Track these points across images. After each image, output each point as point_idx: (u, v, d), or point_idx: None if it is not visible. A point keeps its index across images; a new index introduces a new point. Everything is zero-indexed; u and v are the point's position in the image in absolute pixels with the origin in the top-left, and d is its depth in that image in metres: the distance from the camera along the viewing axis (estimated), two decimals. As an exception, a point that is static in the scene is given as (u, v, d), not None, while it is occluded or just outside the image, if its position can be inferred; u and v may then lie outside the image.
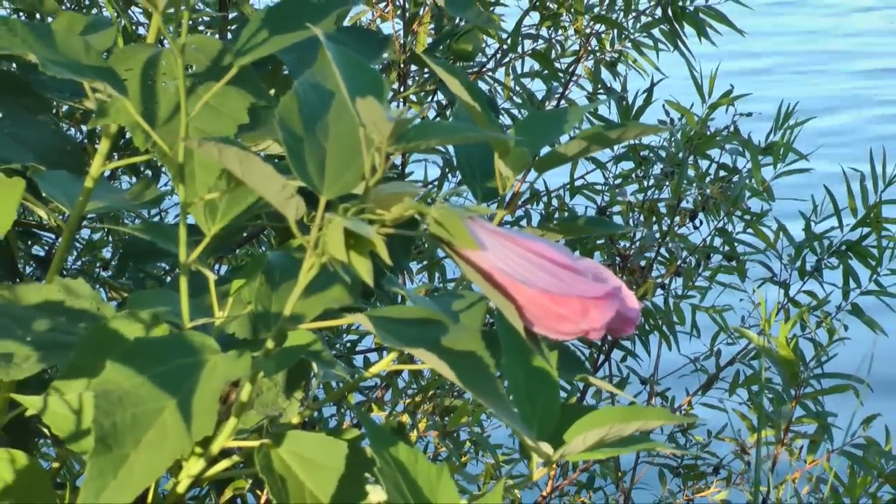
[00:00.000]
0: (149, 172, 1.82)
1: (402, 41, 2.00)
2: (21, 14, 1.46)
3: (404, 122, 0.71)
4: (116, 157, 1.13)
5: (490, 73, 2.14)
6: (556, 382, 0.92)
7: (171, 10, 0.90)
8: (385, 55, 1.41)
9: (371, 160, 0.74)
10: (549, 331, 0.74)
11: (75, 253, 1.81)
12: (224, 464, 0.92)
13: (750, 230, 2.20)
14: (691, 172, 2.14)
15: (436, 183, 2.14)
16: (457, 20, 1.98)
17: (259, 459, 0.85)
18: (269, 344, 0.84)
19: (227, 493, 1.58)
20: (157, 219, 1.87)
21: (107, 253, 1.86)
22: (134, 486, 0.75)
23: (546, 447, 0.89)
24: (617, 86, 2.22)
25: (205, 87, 0.98)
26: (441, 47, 1.96)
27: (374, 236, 0.72)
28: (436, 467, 0.86)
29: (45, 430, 1.23)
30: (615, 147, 2.12)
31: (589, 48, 2.19)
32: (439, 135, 0.76)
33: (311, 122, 0.77)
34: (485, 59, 2.15)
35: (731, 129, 2.14)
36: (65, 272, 1.55)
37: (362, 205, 0.75)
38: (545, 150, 0.93)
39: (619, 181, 2.19)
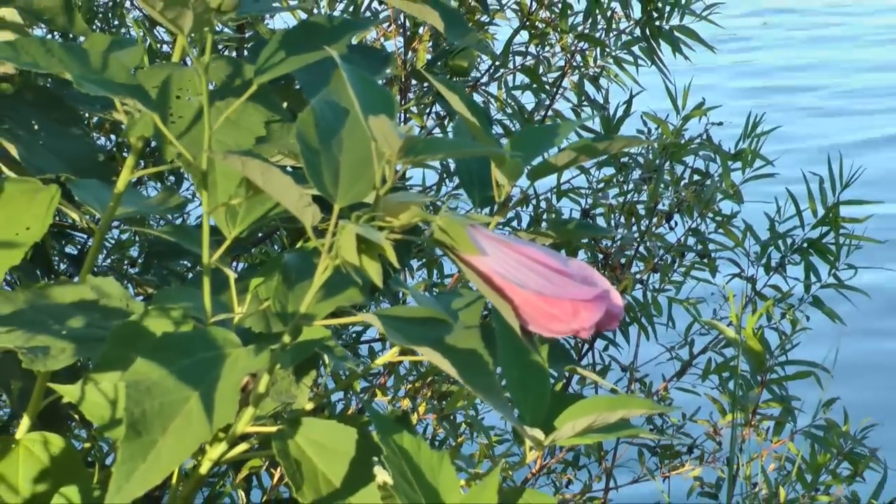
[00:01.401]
0: (172, 179, 1.81)
1: (403, 58, 2.00)
2: (55, 34, 1.46)
3: (413, 137, 0.71)
4: (143, 165, 1.13)
5: (484, 87, 2.14)
6: (547, 374, 0.92)
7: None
8: (388, 71, 1.40)
9: (381, 171, 0.74)
10: (542, 329, 0.74)
11: (105, 252, 1.81)
12: (242, 447, 0.92)
13: (720, 230, 2.20)
14: (667, 177, 2.15)
15: (433, 188, 2.13)
16: (454, 39, 1.97)
17: (276, 444, 0.86)
18: (286, 338, 0.84)
19: (244, 472, 1.58)
20: (179, 221, 1.87)
21: (134, 252, 1.85)
22: (162, 469, 0.75)
23: (538, 433, 0.89)
24: (600, 98, 2.22)
25: (225, 103, 0.98)
26: (439, 63, 1.96)
27: (384, 242, 0.72)
28: (437, 454, 0.86)
29: (76, 415, 1.23)
30: (598, 155, 2.11)
31: (574, 64, 2.19)
32: (444, 150, 0.76)
33: (326, 137, 0.77)
34: (479, 74, 2.15)
35: (705, 136, 2.14)
36: (96, 270, 1.55)
37: (373, 212, 0.75)
38: (537, 160, 0.93)
39: (601, 185, 2.20)
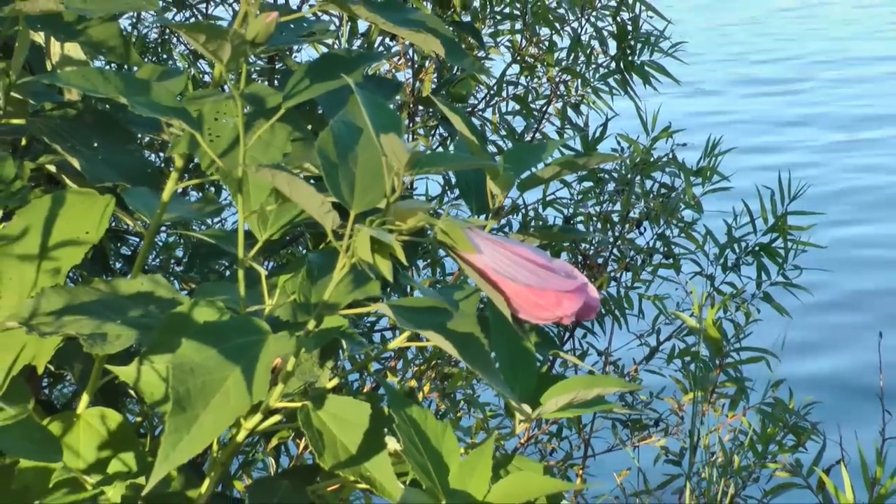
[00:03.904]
0: (212, 189, 1.81)
1: (411, 87, 2.00)
2: (112, 65, 1.46)
3: (418, 152, 0.71)
4: (187, 177, 1.12)
5: (480, 112, 2.14)
6: (534, 357, 0.91)
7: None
8: (398, 97, 1.40)
9: (391, 182, 0.74)
10: (530, 317, 0.74)
11: (154, 252, 1.80)
12: (272, 419, 0.91)
13: (684, 235, 2.20)
14: (638, 190, 2.15)
15: (437, 198, 2.13)
16: (455, 70, 1.97)
17: (301, 417, 0.85)
18: (310, 326, 0.84)
19: (274, 442, 1.58)
20: (218, 226, 1.87)
21: (179, 252, 1.85)
22: (203, 439, 0.75)
23: (526, 408, 0.88)
24: (580, 122, 2.22)
25: (257, 124, 0.97)
26: (442, 92, 1.96)
27: (394, 243, 0.72)
28: (441, 424, 0.85)
29: (132, 392, 1.23)
30: (578, 170, 2.11)
31: (558, 93, 2.19)
32: (445, 163, 0.76)
33: (343, 152, 0.77)
34: (476, 101, 2.15)
35: (671, 155, 2.14)
36: (146, 268, 1.55)
37: (384, 217, 0.75)
38: (526, 173, 0.92)
39: (581, 197, 2.19)
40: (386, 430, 0.88)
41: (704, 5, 10.72)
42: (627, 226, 2.17)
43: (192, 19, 2.03)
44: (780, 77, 8.46)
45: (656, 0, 2.12)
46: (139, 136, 1.25)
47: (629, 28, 2.13)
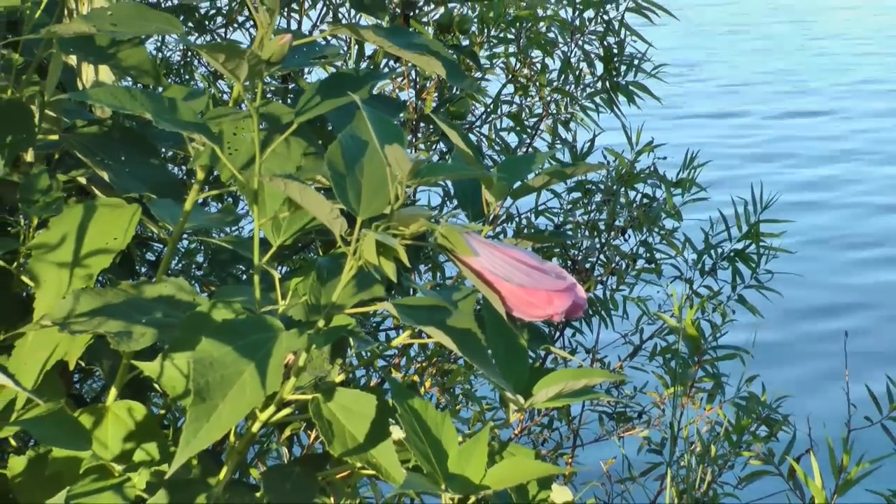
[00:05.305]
0: (230, 200, 1.81)
1: (414, 105, 2.00)
2: (139, 85, 1.46)
3: (419, 162, 0.71)
4: (207, 188, 1.12)
5: (477, 129, 2.14)
6: (526, 351, 0.91)
7: (248, 82, 0.90)
8: (401, 115, 1.40)
9: (395, 191, 0.74)
10: (523, 314, 0.74)
11: (177, 258, 1.80)
12: (285, 411, 0.91)
13: (665, 242, 2.20)
14: (623, 200, 2.14)
15: (437, 208, 2.13)
16: (454, 89, 1.98)
17: (312, 408, 0.85)
18: (320, 324, 0.84)
19: (287, 432, 1.57)
20: (236, 233, 1.86)
21: (200, 258, 1.85)
22: (221, 428, 0.75)
23: (519, 398, 0.88)
24: (569, 137, 2.22)
25: (272, 138, 0.97)
26: (442, 110, 1.96)
27: (398, 246, 0.72)
28: (440, 414, 0.85)
29: (156, 386, 1.23)
30: (568, 181, 2.12)
31: (549, 111, 2.19)
32: (444, 172, 0.76)
33: (350, 163, 0.77)
34: (474, 119, 2.15)
35: (652, 168, 2.14)
36: (169, 272, 1.55)
37: (388, 223, 0.75)
38: (518, 183, 0.92)
39: (570, 206, 2.19)
40: (390, 420, 0.88)
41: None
42: (613, 233, 2.16)
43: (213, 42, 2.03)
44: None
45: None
46: (163, 150, 1.25)
47: (615, 51, 2.13)
